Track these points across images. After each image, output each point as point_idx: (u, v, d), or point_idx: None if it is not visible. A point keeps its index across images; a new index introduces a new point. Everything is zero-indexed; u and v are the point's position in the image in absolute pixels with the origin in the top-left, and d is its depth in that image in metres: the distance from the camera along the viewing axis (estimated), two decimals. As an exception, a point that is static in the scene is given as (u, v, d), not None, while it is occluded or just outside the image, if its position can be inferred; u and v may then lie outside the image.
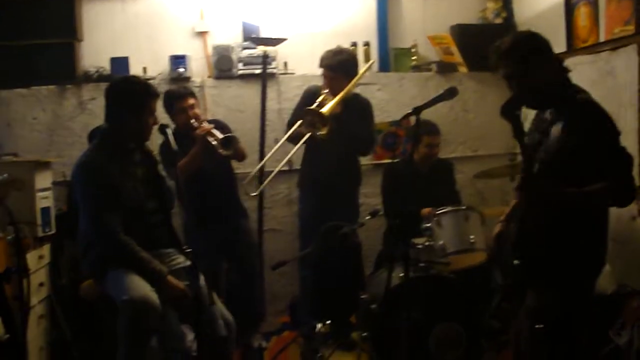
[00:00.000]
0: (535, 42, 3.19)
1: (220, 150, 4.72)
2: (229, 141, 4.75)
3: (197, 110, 4.99)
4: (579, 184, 3.00)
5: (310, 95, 5.09)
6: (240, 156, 5.02)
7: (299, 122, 4.86)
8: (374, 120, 5.30)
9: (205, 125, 4.80)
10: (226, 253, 5.14)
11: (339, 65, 4.92)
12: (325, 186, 5.01)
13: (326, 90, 4.91)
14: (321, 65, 4.99)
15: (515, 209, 3.53)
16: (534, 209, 3.13)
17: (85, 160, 3.80)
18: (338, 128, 4.78)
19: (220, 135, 4.75)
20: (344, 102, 4.87)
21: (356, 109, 5.05)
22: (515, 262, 3.25)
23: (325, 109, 4.71)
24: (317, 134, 4.70)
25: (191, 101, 4.96)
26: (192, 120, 4.87)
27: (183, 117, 4.92)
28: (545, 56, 3.17)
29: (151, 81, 5.20)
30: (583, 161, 3.00)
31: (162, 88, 5.57)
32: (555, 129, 3.13)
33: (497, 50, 3.19)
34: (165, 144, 3.70)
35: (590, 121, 3.03)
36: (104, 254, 3.73)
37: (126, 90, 3.85)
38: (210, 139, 4.75)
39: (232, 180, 5.25)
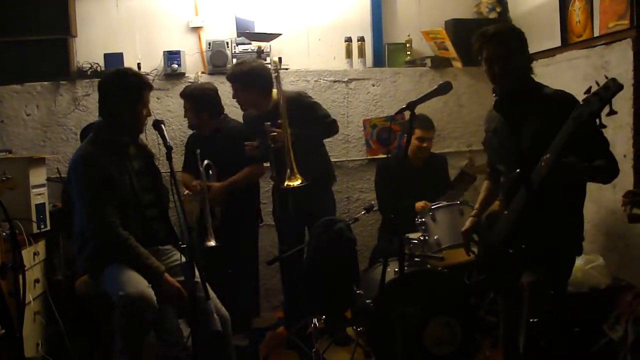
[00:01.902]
0: (516, 33, 3.48)
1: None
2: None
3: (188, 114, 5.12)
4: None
5: (246, 120, 5.17)
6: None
7: None
8: (321, 107, 5.09)
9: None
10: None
11: (235, 76, 4.87)
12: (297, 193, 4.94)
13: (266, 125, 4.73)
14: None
15: (484, 205, 3.79)
16: (532, 200, 3.22)
17: (81, 154, 3.80)
18: (299, 140, 4.66)
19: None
20: (290, 113, 4.66)
21: (302, 111, 4.84)
22: (510, 251, 3.33)
23: (295, 182, 4.55)
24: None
25: (186, 105, 5.08)
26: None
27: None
28: (523, 49, 3.46)
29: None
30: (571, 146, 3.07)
31: (157, 84, 5.60)
32: (530, 122, 3.29)
33: (482, 34, 3.42)
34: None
35: (570, 107, 3.12)
36: (103, 247, 3.73)
37: (120, 83, 3.85)
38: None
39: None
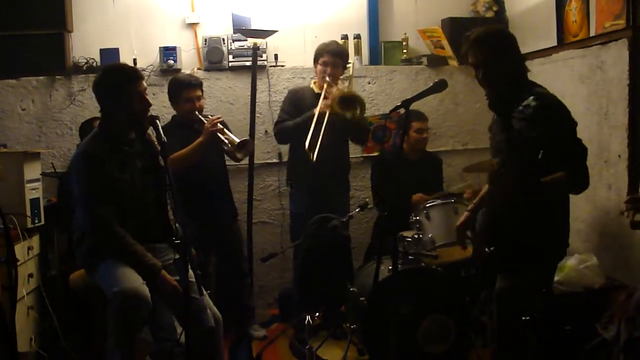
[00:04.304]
0: (501, 36, 3.52)
1: (236, 153, 4.81)
2: (244, 145, 4.80)
3: (202, 102, 5.04)
4: (540, 172, 3.14)
5: (297, 95, 5.23)
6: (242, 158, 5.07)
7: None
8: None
9: (217, 120, 4.83)
10: (215, 249, 5.16)
11: (342, 51, 5.17)
12: (319, 180, 5.04)
13: (327, 79, 5.01)
14: (324, 52, 5.09)
15: (483, 200, 3.76)
16: (504, 199, 3.30)
17: (84, 150, 3.77)
18: (342, 121, 4.92)
19: (232, 136, 4.80)
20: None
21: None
22: (488, 250, 3.36)
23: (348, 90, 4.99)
24: (347, 117, 4.89)
25: (199, 92, 4.99)
26: (197, 112, 4.92)
27: (188, 106, 4.94)
28: (509, 51, 3.46)
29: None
30: (544, 150, 3.09)
31: (152, 80, 5.59)
32: (516, 122, 3.29)
33: (467, 39, 3.48)
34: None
35: (550, 112, 3.21)
36: (98, 245, 3.73)
37: (108, 81, 3.81)
38: (222, 137, 4.78)
39: (226, 178, 5.27)
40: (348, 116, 4.87)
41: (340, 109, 4.86)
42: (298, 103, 5.14)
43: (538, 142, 3.09)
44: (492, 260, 3.40)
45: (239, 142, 4.78)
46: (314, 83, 5.22)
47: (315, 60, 5.17)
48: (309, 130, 4.84)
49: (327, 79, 5.00)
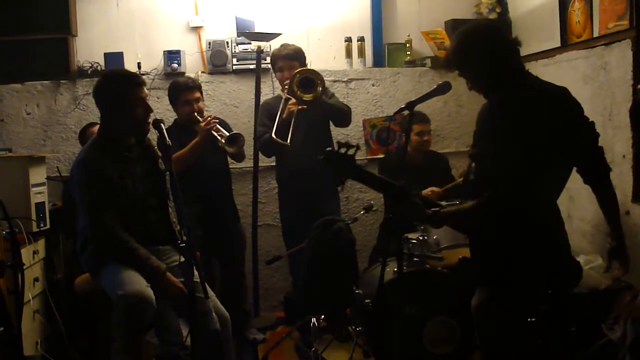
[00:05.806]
0: (471, 42, 3.25)
1: (226, 148, 4.83)
2: (235, 139, 4.83)
3: (201, 104, 5.05)
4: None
5: (270, 106, 5.25)
6: (241, 156, 5.05)
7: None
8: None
9: (212, 119, 4.84)
10: (216, 253, 5.17)
11: (295, 53, 5.17)
12: (303, 183, 5.10)
13: (286, 87, 5.04)
14: (277, 59, 5.17)
15: None
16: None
17: (83, 157, 3.77)
18: (321, 106, 4.98)
19: (225, 133, 4.83)
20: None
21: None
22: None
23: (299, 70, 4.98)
24: (304, 99, 4.90)
25: (197, 94, 5.01)
26: (195, 114, 4.94)
27: (187, 109, 4.97)
28: (486, 52, 3.20)
29: (145, 76, 5.24)
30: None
31: (157, 83, 5.61)
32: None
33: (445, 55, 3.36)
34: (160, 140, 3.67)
35: (511, 118, 3.05)
36: (102, 250, 3.73)
37: (107, 87, 3.79)
38: (215, 134, 4.81)
39: (229, 182, 5.28)
40: (314, 95, 4.89)
41: (304, 91, 4.89)
42: (272, 113, 5.11)
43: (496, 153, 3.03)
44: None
45: (229, 136, 4.83)
46: (281, 90, 5.23)
47: (273, 69, 5.28)
48: (287, 133, 4.93)
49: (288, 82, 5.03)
